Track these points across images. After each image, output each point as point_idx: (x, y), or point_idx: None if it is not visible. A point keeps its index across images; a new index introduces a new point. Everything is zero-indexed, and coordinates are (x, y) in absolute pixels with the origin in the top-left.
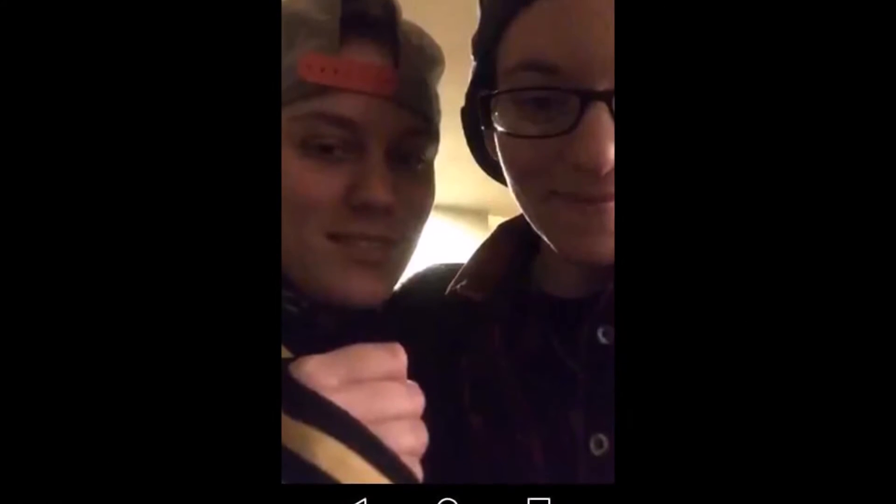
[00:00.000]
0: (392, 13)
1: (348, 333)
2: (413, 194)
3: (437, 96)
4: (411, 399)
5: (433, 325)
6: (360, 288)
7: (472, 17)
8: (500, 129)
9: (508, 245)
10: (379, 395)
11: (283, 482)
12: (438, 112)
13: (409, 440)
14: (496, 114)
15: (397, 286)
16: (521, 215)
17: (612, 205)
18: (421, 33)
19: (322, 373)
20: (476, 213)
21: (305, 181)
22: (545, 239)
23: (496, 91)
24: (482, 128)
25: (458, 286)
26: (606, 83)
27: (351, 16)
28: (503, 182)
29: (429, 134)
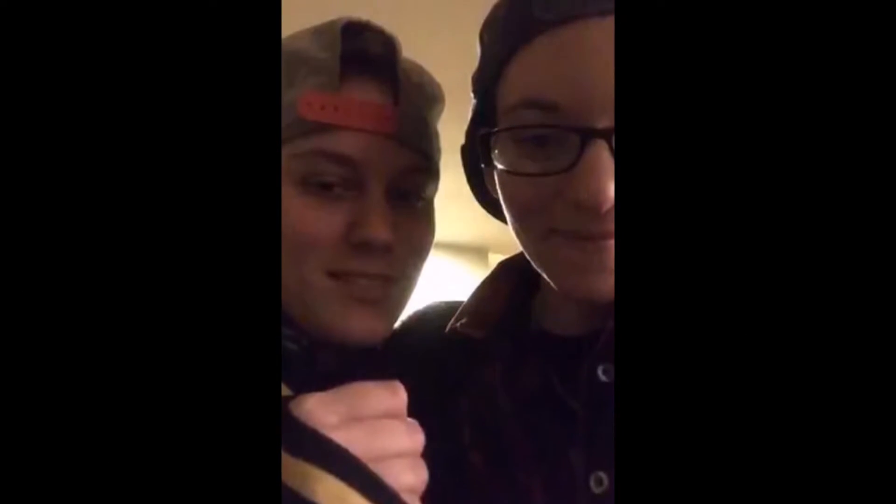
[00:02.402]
0: (392, 51)
1: (348, 371)
2: (413, 232)
3: (437, 134)
4: (411, 437)
5: (433, 363)
6: (359, 326)
7: (472, 55)
8: (500, 166)
9: (508, 283)
10: (379, 433)
11: None
12: (438, 150)
13: (409, 478)
14: (496, 152)
15: (397, 324)
16: (521, 253)
17: (612, 242)
18: (421, 71)
19: (322, 411)
20: (476, 251)
21: (305, 219)
22: (545, 277)
23: (496, 129)
24: (482, 166)
25: (458, 324)
26: (606, 121)
27: (351, 54)
28: (503, 220)
29: (429, 172)
